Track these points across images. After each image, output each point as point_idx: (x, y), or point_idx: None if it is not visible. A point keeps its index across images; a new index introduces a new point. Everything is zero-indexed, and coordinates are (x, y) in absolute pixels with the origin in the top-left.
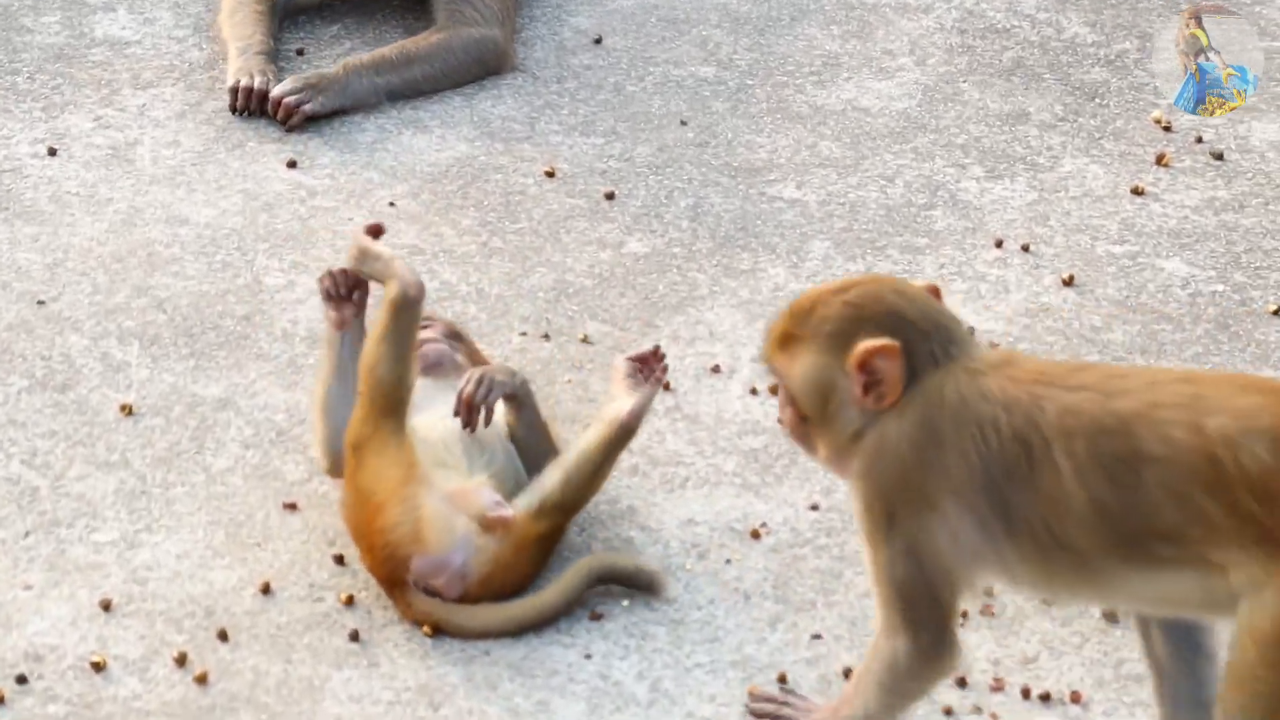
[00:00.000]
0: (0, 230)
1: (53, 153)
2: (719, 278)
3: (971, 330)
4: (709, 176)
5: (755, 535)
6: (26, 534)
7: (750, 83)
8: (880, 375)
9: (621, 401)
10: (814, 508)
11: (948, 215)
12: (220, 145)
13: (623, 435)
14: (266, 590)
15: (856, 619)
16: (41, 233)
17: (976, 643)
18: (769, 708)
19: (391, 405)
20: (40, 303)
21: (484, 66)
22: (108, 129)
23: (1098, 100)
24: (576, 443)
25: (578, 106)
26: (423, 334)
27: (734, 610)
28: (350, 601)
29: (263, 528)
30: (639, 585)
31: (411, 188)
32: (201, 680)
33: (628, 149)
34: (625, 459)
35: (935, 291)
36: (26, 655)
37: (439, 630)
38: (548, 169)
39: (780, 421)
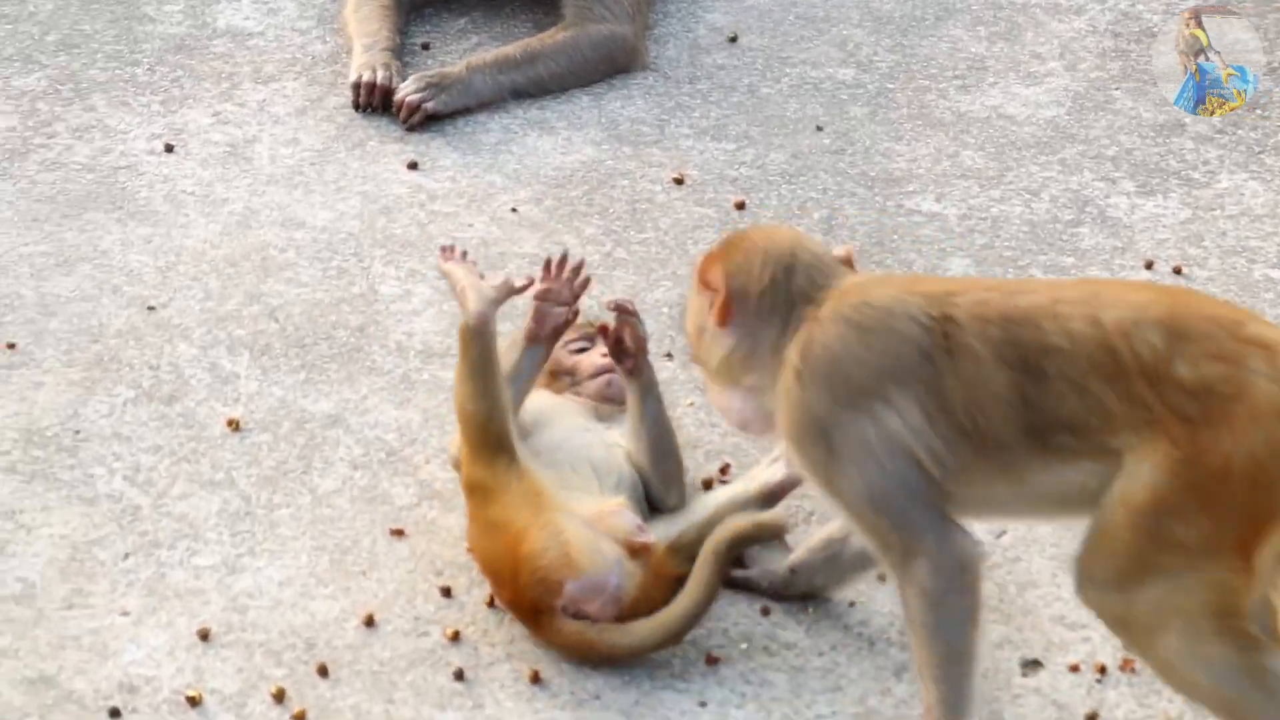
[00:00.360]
0: (114, 231)
1: (170, 149)
2: None
3: None
4: (844, 186)
5: (881, 577)
6: (126, 555)
7: (891, 86)
8: (715, 285)
9: (778, 469)
10: None
11: (1096, 233)
12: (340, 144)
13: (766, 501)
14: (370, 623)
15: (987, 670)
16: (155, 234)
17: (1116, 701)
18: None
19: (493, 441)
20: (150, 308)
21: (613, 64)
22: (226, 125)
23: (1259, 111)
24: (725, 490)
25: (710, 109)
26: (600, 360)
27: (857, 657)
28: (456, 637)
29: (369, 555)
30: (768, 539)
31: (535, 193)
32: (300, 719)
33: (760, 155)
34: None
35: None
36: (121, 686)
37: (589, 654)
38: (676, 175)
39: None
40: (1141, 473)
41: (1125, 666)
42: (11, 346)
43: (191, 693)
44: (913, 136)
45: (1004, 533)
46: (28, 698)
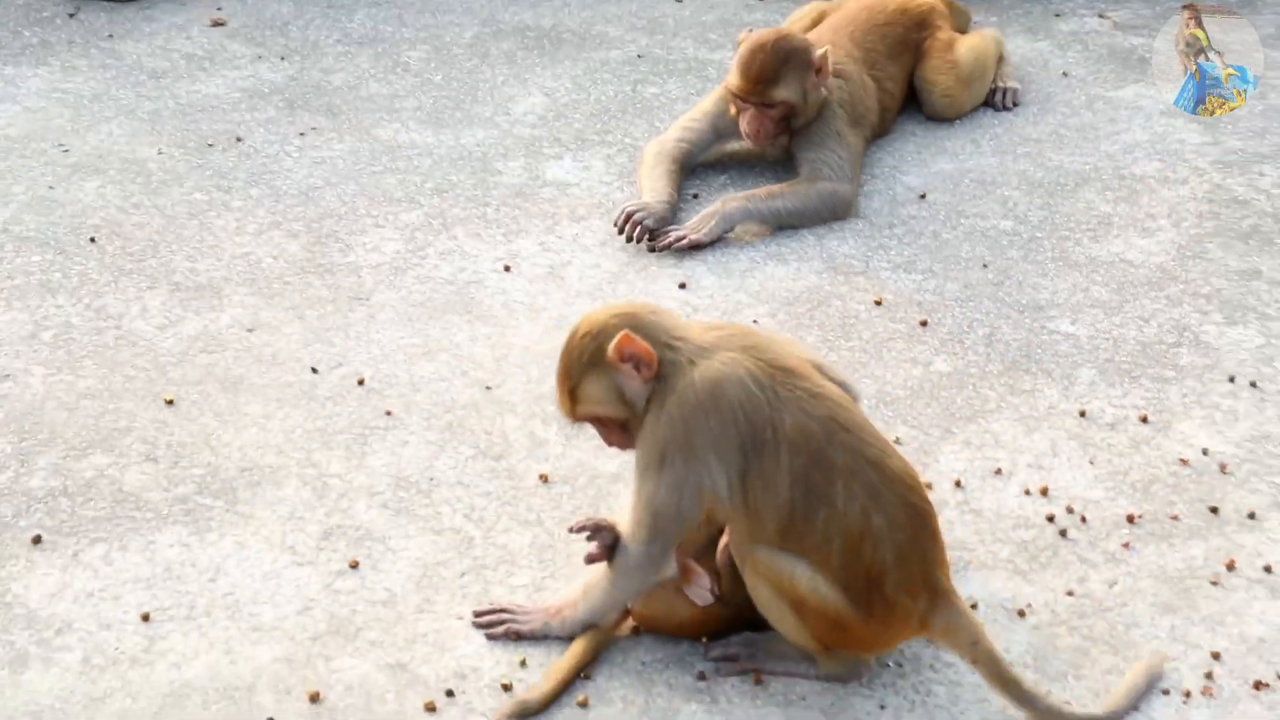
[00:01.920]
0: (464, 330)
1: (507, 269)
2: (1005, 395)
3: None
4: (1002, 311)
5: (1021, 614)
6: (462, 574)
7: (1039, 235)
8: (636, 353)
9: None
10: (1070, 593)
11: (1191, 353)
12: (630, 269)
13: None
14: (636, 631)
15: (1100, 691)
16: (493, 333)
17: (1199, 719)
18: (490, 619)
19: None
20: (488, 388)
21: (833, 214)
22: (548, 252)
23: None
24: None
25: (904, 248)
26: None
27: None
28: (703, 641)
29: None
30: None
31: (771, 309)
32: (583, 705)
33: (940, 285)
34: None
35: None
36: (455, 674)
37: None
38: (876, 299)
39: (612, 445)
40: (825, 588)
41: (1205, 691)
42: (389, 414)
43: (505, 680)
44: (1055, 274)
45: (1115, 583)
46: (389, 679)
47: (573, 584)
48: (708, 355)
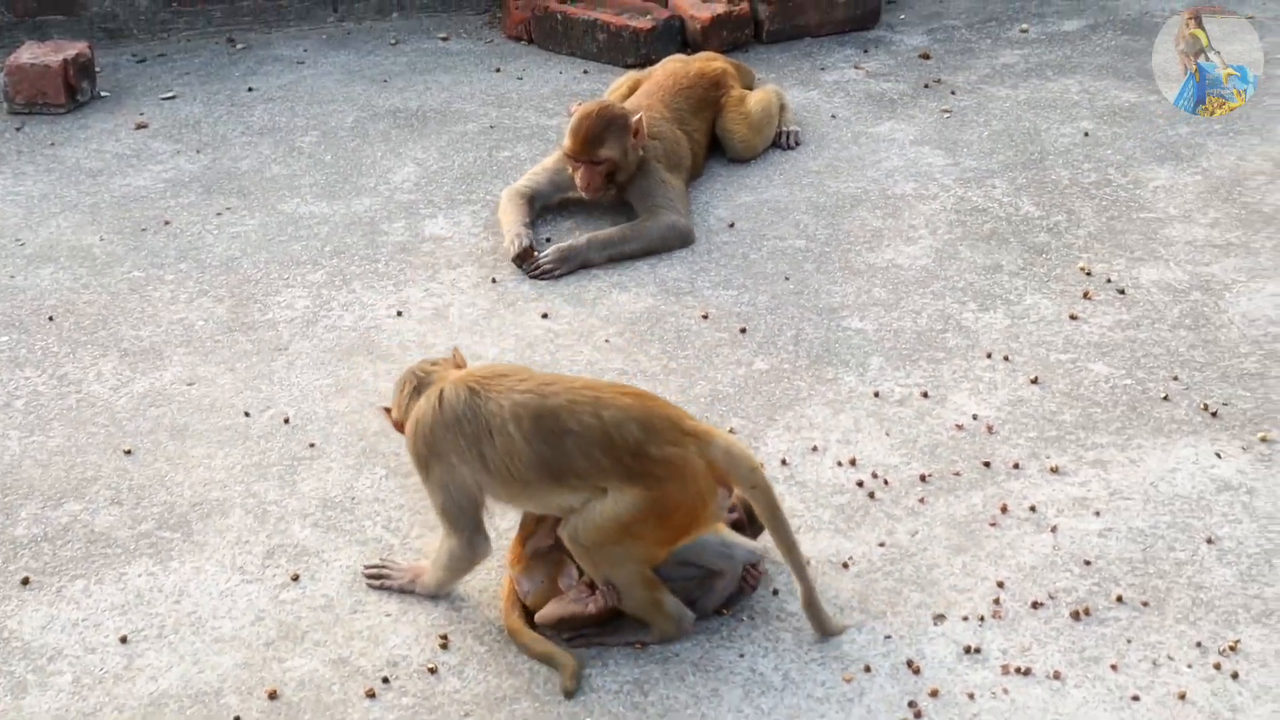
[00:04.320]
0: (368, 368)
1: (399, 314)
2: (813, 384)
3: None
4: (804, 315)
5: (845, 565)
6: None
7: (828, 250)
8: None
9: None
10: (881, 544)
11: (956, 337)
12: (500, 305)
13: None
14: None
15: (914, 623)
16: (393, 368)
17: (991, 638)
18: (374, 570)
19: None
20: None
21: (675, 241)
22: (432, 297)
23: (1044, 255)
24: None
25: (721, 270)
26: None
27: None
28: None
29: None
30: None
31: (619, 329)
32: (499, 676)
33: (753, 297)
34: None
35: (456, 353)
36: (388, 663)
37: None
38: (703, 313)
39: None
40: (624, 500)
41: (995, 615)
42: (312, 445)
43: (431, 665)
44: (843, 280)
45: (916, 533)
46: (333, 672)
47: (431, 557)
48: (437, 382)
